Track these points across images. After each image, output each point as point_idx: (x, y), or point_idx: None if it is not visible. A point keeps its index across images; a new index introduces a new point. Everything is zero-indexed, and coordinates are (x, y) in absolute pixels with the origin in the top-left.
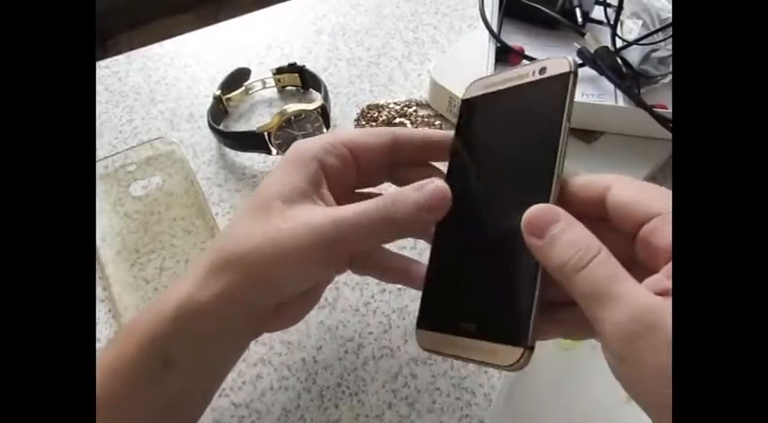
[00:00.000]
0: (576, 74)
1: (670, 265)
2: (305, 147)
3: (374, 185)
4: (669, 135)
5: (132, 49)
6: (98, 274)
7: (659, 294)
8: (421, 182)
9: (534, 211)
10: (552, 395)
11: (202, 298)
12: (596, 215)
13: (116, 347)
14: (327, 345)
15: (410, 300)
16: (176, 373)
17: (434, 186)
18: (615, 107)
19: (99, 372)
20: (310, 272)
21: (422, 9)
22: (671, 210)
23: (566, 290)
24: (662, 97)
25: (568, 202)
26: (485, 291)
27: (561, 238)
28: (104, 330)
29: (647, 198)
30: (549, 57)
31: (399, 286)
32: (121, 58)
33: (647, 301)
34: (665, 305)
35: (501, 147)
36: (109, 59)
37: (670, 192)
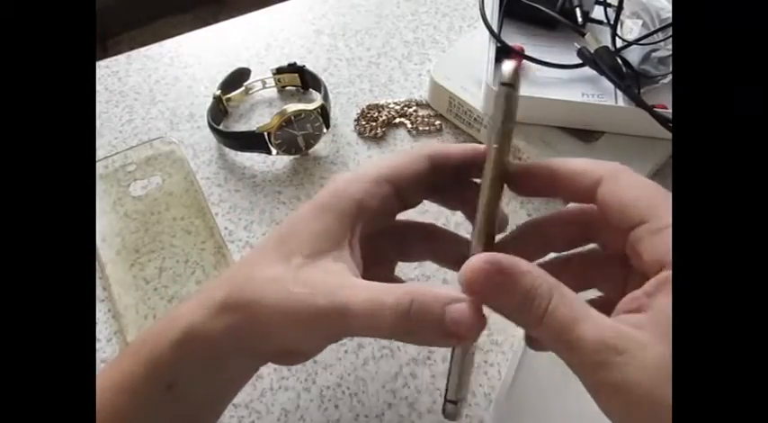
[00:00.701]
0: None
1: (653, 280)
2: (345, 188)
3: (412, 207)
4: (669, 135)
5: (132, 49)
6: (98, 274)
7: (633, 311)
8: (451, 294)
9: (469, 269)
10: (552, 395)
11: (209, 331)
12: (588, 203)
13: (123, 365)
14: None
15: None
16: (180, 397)
17: (463, 310)
18: (615, 107)
19: (105, 387)
20: (310, 341)
21: (422, 9)
22: (661, 216)
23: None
24: (662, 97)
25: (558, 188)
26: None
27: (506, 295)
28: (104, 330)
29: (637, 200)
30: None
31: None
32: (121, 58)
33: (613, 329)
34: (632, 329)
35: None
36: (109, 59)
37: (663, 194)
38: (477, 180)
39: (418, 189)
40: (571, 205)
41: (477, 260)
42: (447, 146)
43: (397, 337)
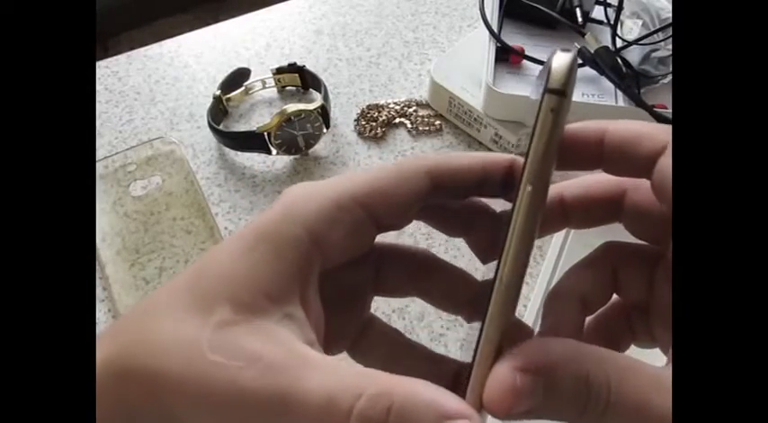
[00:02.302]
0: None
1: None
2: (298, 212)
3: (397, 229)
4: None
5: (132, 49)
6: (98, 274)
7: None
8: (451, 406)
9: (494, 385)
10: None
11: (104, 401)
12: (592, 161)
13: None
14: None
15: (410, 299)
16: None
17: None
18: (615, 107)
19: None
20: None
21: (422, 9)
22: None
23: None
24: (662, 97)
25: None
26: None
27: (553, 395)
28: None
29: (649, 130)
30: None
31: None
32: (121, 58)
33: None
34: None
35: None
36: (109, 59)
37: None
38: (492, 203)
39: (406, 212)
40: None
41: (500, 376)
42: (453, 159)
43: None
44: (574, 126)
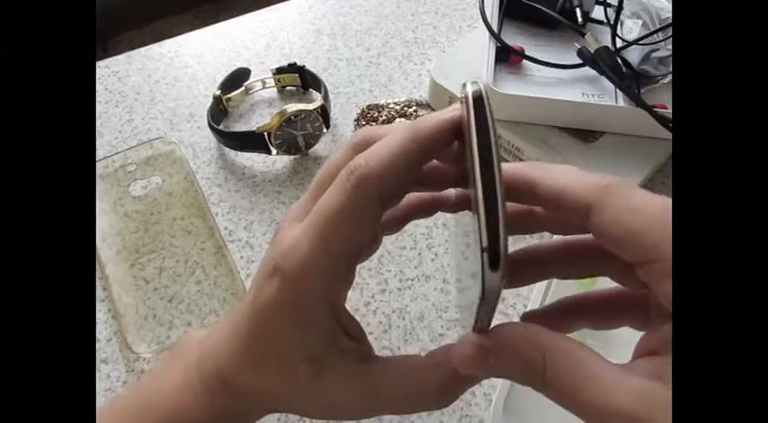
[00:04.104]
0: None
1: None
2: (309, 289)
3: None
4: (669, 135)
5: (132, 49)
6: (98, 274)
7: (652, 352)
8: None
9: (461, 352)
10: None
11: (195, 415)
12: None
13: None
14: None
15: (410, 299)
16: None
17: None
18: (615, 107)
19: None
20: None
21: (422, 9)
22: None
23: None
24: (662, 97)
25: (544, 204)
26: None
27: (502, 369)
28: (104, 330)
29: (640, 234)
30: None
31: (399, 286)
32: (121, 58)
33: (625, 394)
34: (650, 384)
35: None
36: (109, 59)
37: (668, 217)
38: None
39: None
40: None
41: (467, 347)
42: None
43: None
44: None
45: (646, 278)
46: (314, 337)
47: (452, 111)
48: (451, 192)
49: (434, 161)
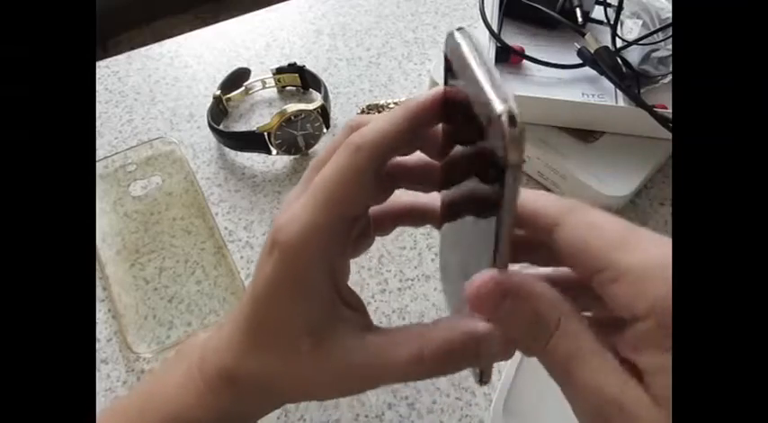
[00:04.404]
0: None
1: (639, 334)
2: (308, 258)
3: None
4: (669, 135)
5: (132, 49)
6: (98, 274)
7: (630, 359)
8: (469, 329)
9: (479, 284)
10: (552, 395)
11: (236, 409)
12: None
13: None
14: None
15: (410, 299)
16: None
17: (476, 337)
18: (615, 107)
19: None
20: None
21: (422, 9)
22: (616, 261)
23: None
24: (662, 97)
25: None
26: (464, 256)
27: (513, 319)
28: (104, 330)
29: (587, 246)
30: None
31: (399, 286)
32: (121, 58)
33: (616, 383)
34: (639, 390)
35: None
36: (109, 59)
37: (618, 232)
38: None
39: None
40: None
41: (486, 279)
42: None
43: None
44: None
45: (597, 286)
46: (314, 308)
47: (440, 89)
48: (437, 204)
49: (423, 156)
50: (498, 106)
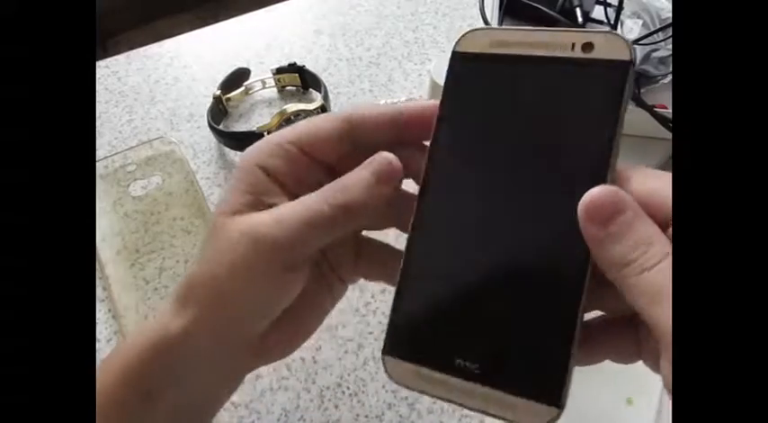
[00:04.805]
0: (634, 64)
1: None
2: (245, 156)
3: (333, 164)
4: (669, 135)
5: (132, 49)
6: (98, 274)
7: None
8: (366, 160)
9: (598, 193)
10: None
11: (173, 330)
12: None
13: (96, 381)
14: (327, 345)
15: None
16: (158, 408)
17: (382, 156)
18: None
19: None
20: (267, 286)
21: (422, 9)
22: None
23: (618, 287)
24: (662, 97)
25: None
26: (494, 317)
27: (630, 231)
28: (104, 330)
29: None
30: (596, 29)
31: None
32: (121, 58)
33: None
34: None
35: (522, 129)
36: (109, 59)
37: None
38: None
39: (330, 148)
40: None
41: (605, 190)
42: (369, 106)
43: (338, 225)
44: None
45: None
46: (239, 191)
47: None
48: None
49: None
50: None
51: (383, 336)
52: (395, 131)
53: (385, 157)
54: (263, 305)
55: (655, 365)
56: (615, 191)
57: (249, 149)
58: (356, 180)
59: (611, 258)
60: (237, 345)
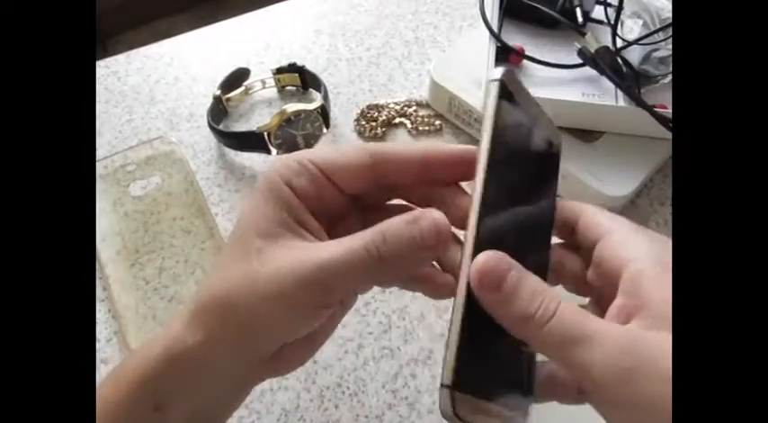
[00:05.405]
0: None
1: (625, 280)
2: (272, 171)
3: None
4: (669, 135)
5: (132, 49)
6: (98, 274)
7: (626, 323)
8: (415, 213)
9: (483, 260)
10: None
11: (188, 342)
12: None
13: (107, 389)
14: (327, 345)
15: (410, 300)
16: (169, 419)
17: (431, 220)
18: (615, 107)
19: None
20: (296, 319)
21: (422, 9)
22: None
23: (530, 344)
24: (662, 97)
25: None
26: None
27: (521, 287)
28: (104, 330)
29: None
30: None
31: None
32: (121, 57)
33: (628, 333)
34: (648, 333)
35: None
36: (109, 59)
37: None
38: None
39: (353, 179)
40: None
41: (488, 256)
42: (395, 145)
43: (377, 276)
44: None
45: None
46: (267, 213)
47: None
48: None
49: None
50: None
51: (383, 335)
52: (421, 172)
53: (435, 222)
54: (289, 334)
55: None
56: (496, 254)
57: (275, 166)
58: (400, 235)
59: (513, 317)
60: (254, 361)
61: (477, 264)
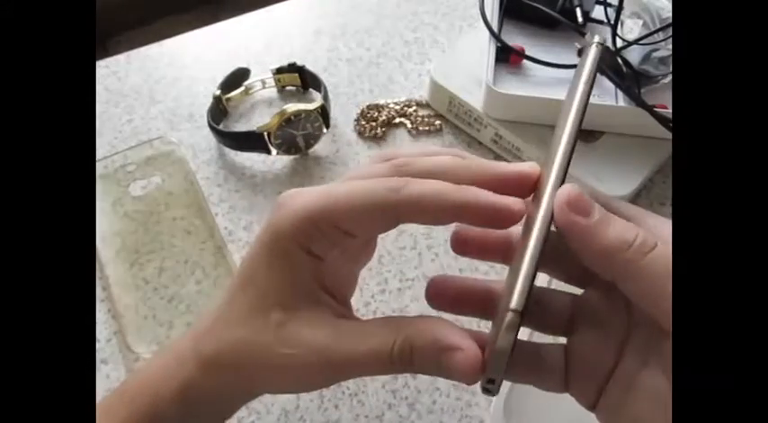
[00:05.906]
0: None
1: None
2: (281, 233)
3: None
4: (669, 135)
5: (132, 49)
6: (98, 274)
7: None
8: (453, 341)
9: (570, 188)
10: (552, 395)
11: (208, 388)
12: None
13: (120, 415)
14: None
15: (410, 300)
16: None
17: (464, 356)
18: (615, 107)
19: None
20: (305, 389)
21: (422, 9)
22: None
23: (618, 278)
24: (662, 97)
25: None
26: None
27: (613, 217)
28: (104, 330)
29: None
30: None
31: (399, 286)
32: (121, 57)
33: None
34: None
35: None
36: (109, 59)
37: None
38: None
39: (377, 230)
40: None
41: (573, 187)
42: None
43: (395, 372)
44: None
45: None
46: (288, 283)
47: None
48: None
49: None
50: None
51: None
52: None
53: (472, 359)
54: (299, 390)
55: (581, 398)
56: (578, 187)
57: (283, 224)
58: (430, 364)
59: (608, 243)
60: (256, 396)
61: (563, 192)
